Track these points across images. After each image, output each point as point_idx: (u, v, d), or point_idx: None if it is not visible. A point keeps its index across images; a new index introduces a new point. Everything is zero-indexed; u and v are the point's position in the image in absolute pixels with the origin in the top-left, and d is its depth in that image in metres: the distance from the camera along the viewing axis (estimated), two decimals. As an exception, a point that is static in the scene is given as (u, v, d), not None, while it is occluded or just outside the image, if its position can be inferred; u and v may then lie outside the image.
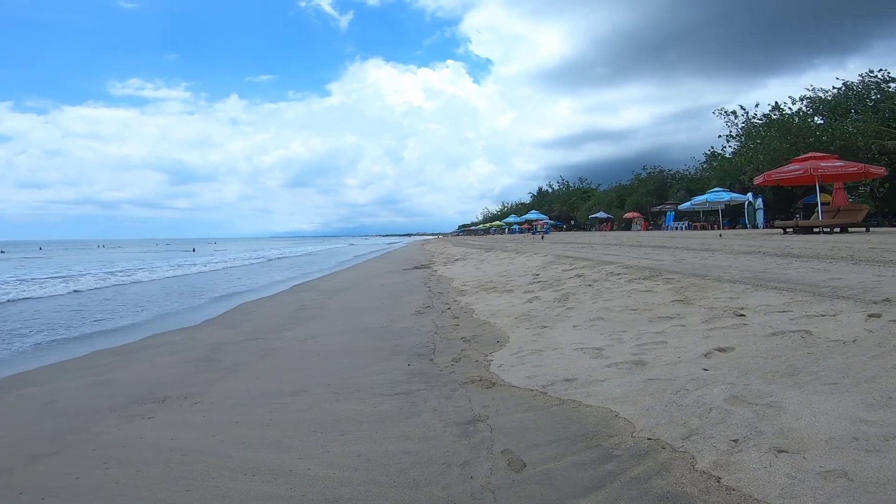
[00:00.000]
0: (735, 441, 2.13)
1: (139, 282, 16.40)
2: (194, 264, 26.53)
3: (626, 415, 2.64)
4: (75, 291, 13.42)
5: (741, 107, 34.61)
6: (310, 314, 7.98)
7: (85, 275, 19.45)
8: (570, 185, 68.45)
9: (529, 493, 2.07)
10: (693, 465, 2.03)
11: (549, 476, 2.17)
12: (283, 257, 35.88)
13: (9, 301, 11.26)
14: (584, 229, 49.97)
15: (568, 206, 60.79)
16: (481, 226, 77.44)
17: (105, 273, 20.40)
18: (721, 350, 3.42)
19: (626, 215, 42.46)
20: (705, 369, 3.10)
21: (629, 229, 39.44)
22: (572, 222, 57.21)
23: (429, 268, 15.49)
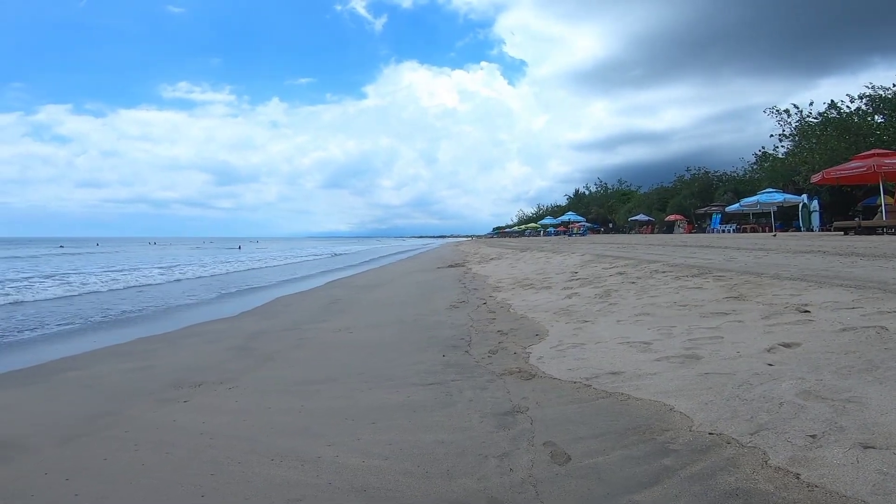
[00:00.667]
0: (813, 436, 1.88)
1: (190, 278, 16.97)
2: (241, 260, 27.27)
3: (681, 409, 2.41)
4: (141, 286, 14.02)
5: (794, 105, 32.59)
6: (343, 307, 7.98)
7: (139, 268, 20.30)
8: (609, 187, 66.64)
9: (575, 487, 1.88)
10: (765, 461, 1.80)
11: (597, 470, 1.97)
12: (343, 254, 38.05)
13: (83, 294, 11.88)
14: (623, 232, 48.49)
15: (606, 209, 59.19)
16: (516, 228, 76.34)
17: (165, 267, 21.16)
18: (786, 345, 3.12)
19: (667, 218, 40.86)
20: (769, 364, 2.81)
21: (671, 232, 37.96)
22: (610, 225, 55.62)
23: (462, 266, 15.34)
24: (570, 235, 43.67)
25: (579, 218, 53.47)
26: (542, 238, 45.19)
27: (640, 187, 59.80)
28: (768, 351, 3.05)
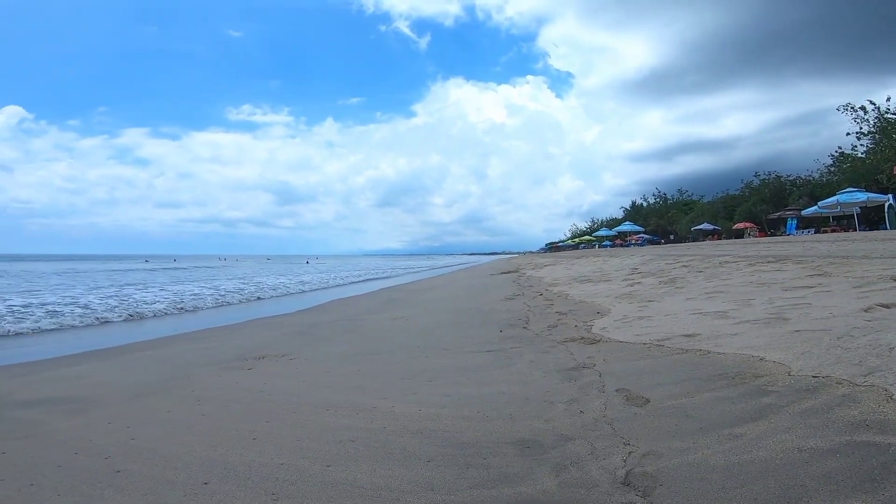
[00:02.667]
0: (942, 373, 1.61)
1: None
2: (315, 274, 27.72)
3: (774, 359, 2.16)
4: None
5: (871, 101, 29.86)
6: (399, 304, 8.03)
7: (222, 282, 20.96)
8: (668, 197, 63.56)
9: (660, 424, 1.71)
10: (890, 397, 1.56)
11: (683, 409, 1.79)
12: (435, 268, 36.98)
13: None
14: (686, 242, 45.85)
15: (666, 220, 56.29)
16: (569, 242, 74.05)
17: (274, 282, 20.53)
18: (884, 306, 2.77)
19: (735, 226, 38.14)
20: (868, 321, 2.49)
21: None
22: (671, 236, 52.77)
23: (516, 272, 15.08)
24: (627, 247, 41.74)
25: (637, 228, 51.01)
26: (597, 250, 43.65)
27: (702, 196, 56.41)
28: (865, 311, 2.71)
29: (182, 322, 7.36)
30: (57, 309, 8.73)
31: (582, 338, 3.22)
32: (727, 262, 6.80)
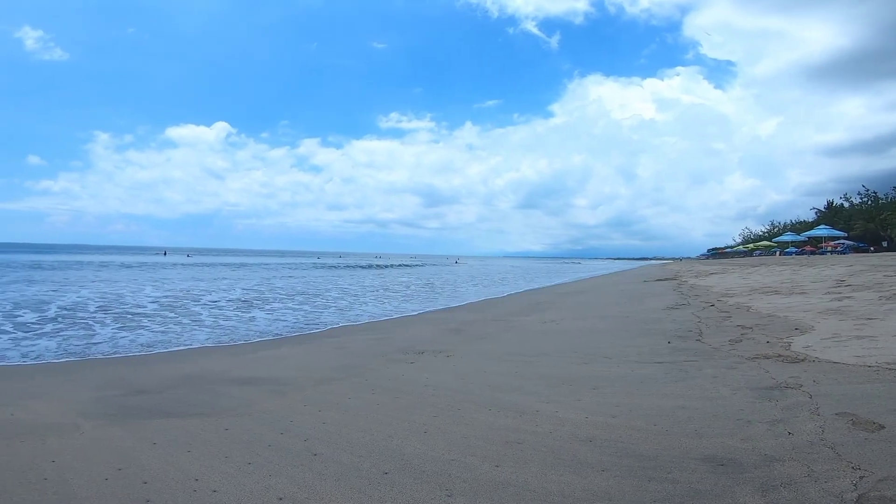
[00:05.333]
0: None
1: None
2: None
3: None
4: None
5: None
6: (548, 306, 7.90)
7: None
8: (881, 197, 51.15)
9: (901, 454, 1.40)
10: None
11: (939, 444, 1.43)
12: (579, 271, 35.57)
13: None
14: (907, 251, 36.36)
15: (877, 224, 45.42)
16: (740, 247, 64.04)
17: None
18: None
19: (984, 231, 29.17)
20: None
21: None
22: (884, 243, 42.40)
23: (674, 280, 13.69)
24: (822, 254, 34.67)
25: (837, 232, 41.95)
26: (777, 258, 37.15)
27: (932, 196, 44.32)
28: None
29: (354, 312, 8.27)
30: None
31: (778, 355, 2.78)
32: None
